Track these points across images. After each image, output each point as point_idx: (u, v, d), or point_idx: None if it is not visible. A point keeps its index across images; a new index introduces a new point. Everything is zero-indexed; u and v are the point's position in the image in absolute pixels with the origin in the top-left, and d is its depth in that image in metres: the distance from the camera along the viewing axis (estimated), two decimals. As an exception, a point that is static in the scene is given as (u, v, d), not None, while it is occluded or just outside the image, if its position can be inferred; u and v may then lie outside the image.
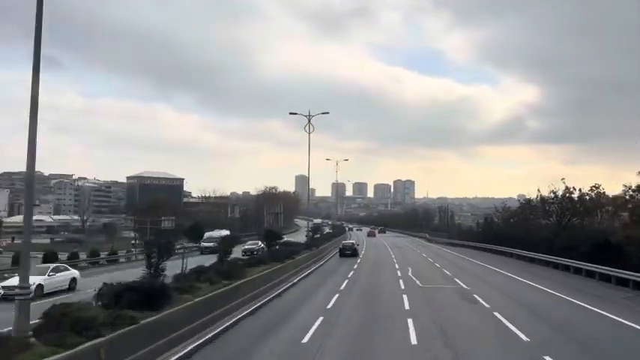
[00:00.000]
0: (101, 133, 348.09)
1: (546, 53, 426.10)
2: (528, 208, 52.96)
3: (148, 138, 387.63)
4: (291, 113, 48.17)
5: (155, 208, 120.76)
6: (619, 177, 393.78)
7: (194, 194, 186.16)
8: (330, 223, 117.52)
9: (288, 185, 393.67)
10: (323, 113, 48.71)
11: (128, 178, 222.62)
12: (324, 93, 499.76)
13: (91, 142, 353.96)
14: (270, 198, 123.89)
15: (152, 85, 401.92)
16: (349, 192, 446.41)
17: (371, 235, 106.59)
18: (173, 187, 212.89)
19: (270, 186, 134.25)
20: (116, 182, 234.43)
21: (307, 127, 47.60)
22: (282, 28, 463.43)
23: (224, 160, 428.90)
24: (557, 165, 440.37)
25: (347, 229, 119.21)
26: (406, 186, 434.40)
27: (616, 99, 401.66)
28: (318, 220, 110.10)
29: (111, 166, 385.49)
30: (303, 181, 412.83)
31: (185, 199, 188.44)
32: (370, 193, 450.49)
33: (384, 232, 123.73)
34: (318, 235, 61.18)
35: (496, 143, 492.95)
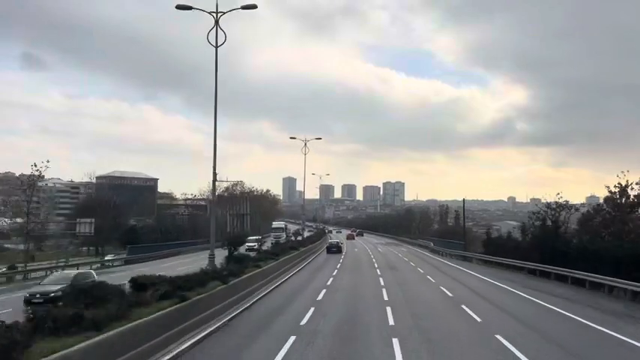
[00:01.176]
0: (85, 134, 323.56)
1: (535, 54, 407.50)
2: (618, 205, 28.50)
3: (133, 139, 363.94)
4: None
5: (89, 210, 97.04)
6: (604, 180, 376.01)
7: (177, 195, 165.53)
8: (304, 225, 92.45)
9: (276, 187, 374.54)
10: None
11: (97, 177, 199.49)
12: (313, 93, 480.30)
13: (74, 143, 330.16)
14: (232, 197, 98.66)
15: (138, 86, 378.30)
16: (338, 194, 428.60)
17: (350, 237, 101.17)
18: (146, 187, 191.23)
19: (234, 181, 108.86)
20: (90, 183, 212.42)
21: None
22: (269, 27, 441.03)
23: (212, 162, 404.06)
24: (545, 167, 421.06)
25: (326, 231, 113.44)
26: (396, 188, 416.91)
27: (605, 101, 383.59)
28: (280, 224, 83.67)
29: (95, 168, 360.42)
30: (290, 183, 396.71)
31: (162, 201, 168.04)
32: (359, 196, 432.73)
33: (362, 235, 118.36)
34: (255, 252, 36.37)
35: (485, 145, 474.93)
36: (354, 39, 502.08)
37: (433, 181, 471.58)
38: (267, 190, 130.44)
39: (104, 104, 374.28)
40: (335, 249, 59.91)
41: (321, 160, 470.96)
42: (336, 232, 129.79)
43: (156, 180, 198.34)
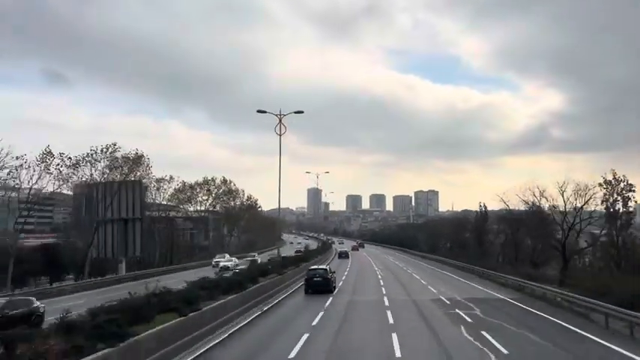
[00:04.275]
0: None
1: (572, 54, 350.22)
2: None
3: (158, 155, 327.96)
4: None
5: None
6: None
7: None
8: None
9: (301, 200, 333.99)
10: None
11: (75, 186, 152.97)
12: (337, 102, 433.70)
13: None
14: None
15: (163, 101, 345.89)
16: (366, 204, 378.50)
17: (355, 249, 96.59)
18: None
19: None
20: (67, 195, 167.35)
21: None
22: (290, 34, 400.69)
23: (237, 177, 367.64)
24: (583, 176, 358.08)
25: (330, 242, 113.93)
26: (429, 197, 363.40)
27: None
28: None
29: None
30: (315, 194, 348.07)
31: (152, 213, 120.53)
32: (389, 206, 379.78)
33: (363, 247, 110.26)
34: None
35: (518, 154, 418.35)
36: (377, 44, 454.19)
37: (465, 191, 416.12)
38: (228, 182, 77.82)
39: (128, 120, 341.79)
40: (344, 255, 71.55)
41: (348, 171, 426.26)
42: (339, 243, 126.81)
43: (145, 188, 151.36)
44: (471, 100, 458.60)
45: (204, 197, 72.48)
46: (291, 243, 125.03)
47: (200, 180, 72.84)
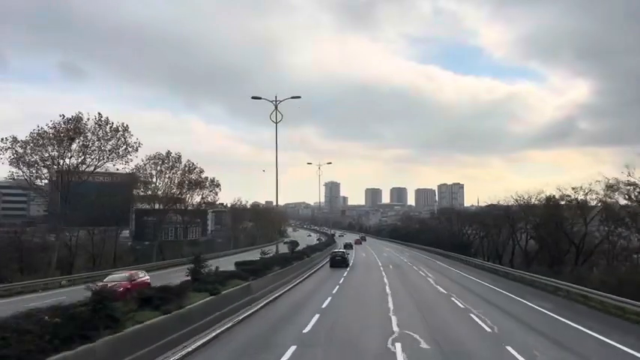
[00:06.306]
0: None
1: (602, 42, 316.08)
2: None
3: (176, 151, 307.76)
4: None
5: None
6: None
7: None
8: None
9: (319, 195, 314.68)
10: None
11: (56, 172, 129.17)
12: (357, 95, 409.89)
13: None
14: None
15: (181, 96, 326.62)
16: (386, 199, 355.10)
17: (357, 242, 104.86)
18: (119, 187, 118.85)
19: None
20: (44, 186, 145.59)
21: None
22: (308, 21, 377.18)
23: (255, 173, 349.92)
24: (611, 170, 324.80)
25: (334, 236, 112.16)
26: (453, 190, 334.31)
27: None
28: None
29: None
30: (333, 188, 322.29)
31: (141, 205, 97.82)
32: (411, 200, 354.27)
33: (365, 240, 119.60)
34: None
35: (543, 147, 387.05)
36: (398, 32, 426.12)
37: (488, 187, 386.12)
38: (121, 128, 45.59)
39: (148, 115, 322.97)
40: (350, 247, 78.86)
41: (368, 165, 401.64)
42: (340, 235, 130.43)
43: (132, 176, 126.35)
44: (494, 91, 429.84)
45: (80, 156, 40.81)
46: (287, 242, 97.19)
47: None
